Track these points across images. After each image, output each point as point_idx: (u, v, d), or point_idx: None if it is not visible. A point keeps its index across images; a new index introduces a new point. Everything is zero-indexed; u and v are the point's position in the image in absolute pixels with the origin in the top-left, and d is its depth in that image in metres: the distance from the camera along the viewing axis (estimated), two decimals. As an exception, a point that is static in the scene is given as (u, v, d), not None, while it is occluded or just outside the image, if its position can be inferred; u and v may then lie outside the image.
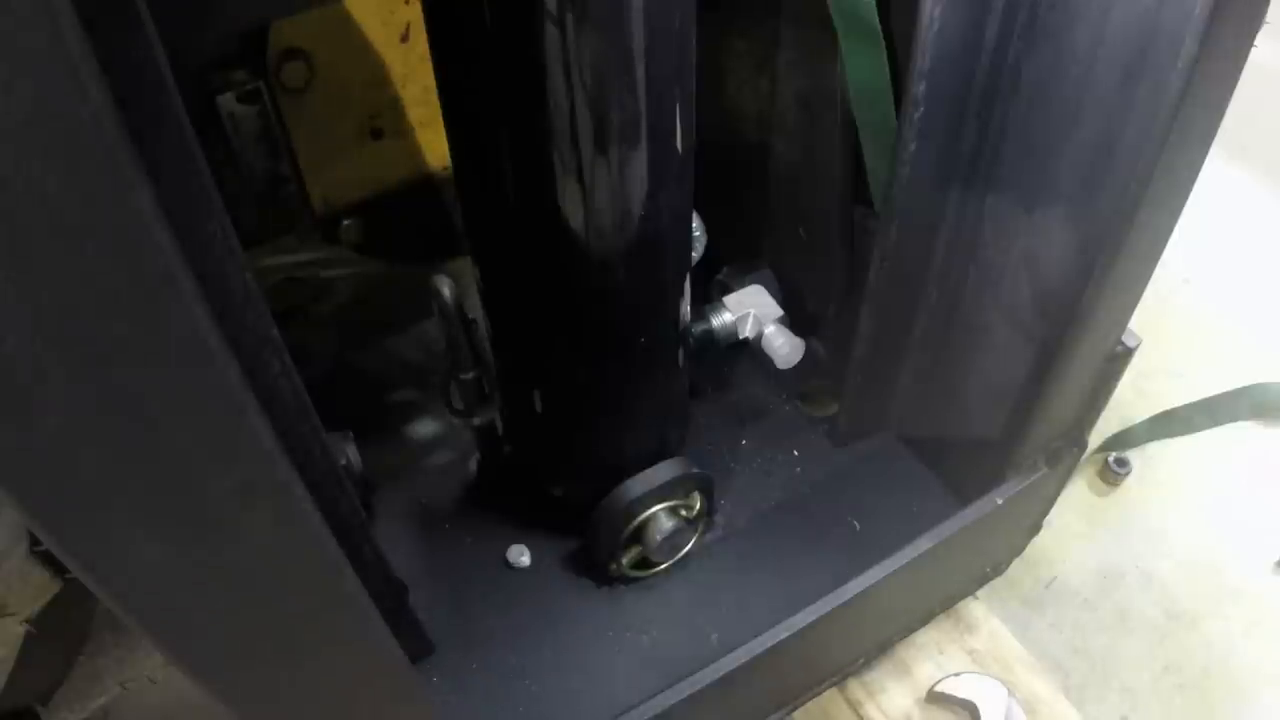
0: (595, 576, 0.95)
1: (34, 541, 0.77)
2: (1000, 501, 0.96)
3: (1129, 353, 0.90)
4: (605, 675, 0.89)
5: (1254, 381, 1.34)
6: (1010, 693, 1.16)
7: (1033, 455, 0.96)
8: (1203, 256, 1.51)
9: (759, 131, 1.00)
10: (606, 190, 0.68)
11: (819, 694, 1.09)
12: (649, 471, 0.87)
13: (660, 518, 0.88)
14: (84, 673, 0.86)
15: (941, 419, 0.98)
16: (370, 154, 0.98)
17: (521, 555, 0.97)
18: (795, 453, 1.07)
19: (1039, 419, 0.89)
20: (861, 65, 0.80)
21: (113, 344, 0.34)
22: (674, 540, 0.90)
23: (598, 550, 0.91)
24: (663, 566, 0.94)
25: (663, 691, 0.83)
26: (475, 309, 0.86)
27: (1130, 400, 1.35)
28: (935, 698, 1.17)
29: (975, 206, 0.81)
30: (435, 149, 1.02)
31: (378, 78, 0.94)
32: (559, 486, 0.96)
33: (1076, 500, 1.34)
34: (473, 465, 1.05)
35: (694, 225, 0.85)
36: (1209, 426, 1.34)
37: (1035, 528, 1.12)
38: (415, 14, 0.92)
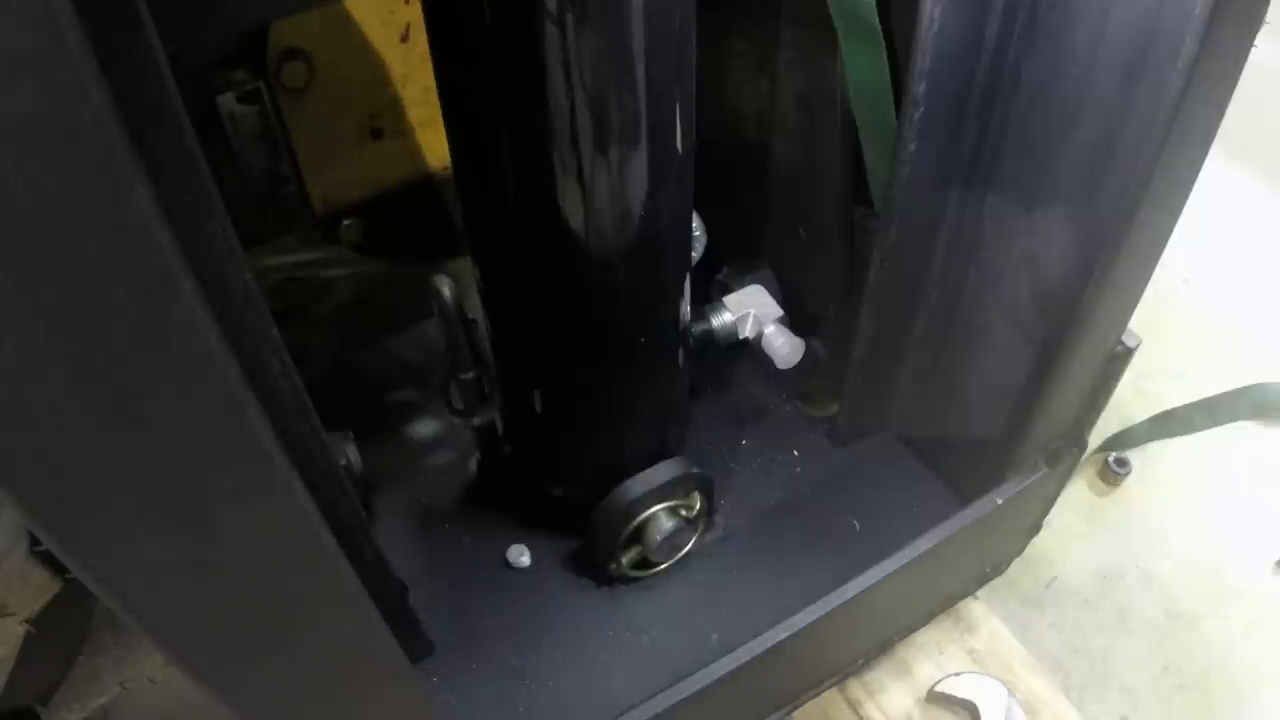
0: (595, 576, 0.95)
1: (34, 541, 0.77)
2: (1000, 501, 0.96)
3: (1129, 353, 0.90)
4: (605, 675, 0.89)
5: (1254, 381, 1.34)
6: (1010, 693, 1.16)
7: (1033, 455, 0.96)
8: (1203, 256, 1.51)
9: (759, 131, 1.00)
10: (606, 190, 0.68)
11: (819, 694, 1.08)
12: (649, 471, 0.87)
13: (660, 518, 0.88)
14: (84, 672, 0.86)
15: (941, 419, 0.98)
16: (370, 154, 0.98)
17: (521, 555, 0.97)
18: (795, 453, 1.07)
19: (1039, 419, 0.89)
20: (861, 65, 0.80)
21: (113, 344, 0.34)
22: (674, 540, 0.90)
23: (598, 550, 0.91)
24: (663, 566, 0.94)
25: (663, 691, 0.83)
26: (475, 309, 0.86)
27: (1130, 400, 1.35)
28: (935, 698, 1.17)
29: (975, 206, 0.81)
30: (435, 149, 1.02)
31: (378, 78, 0.94)
32: (559, 486, 0.96)
33: (1076, 500, 1.34)
34: (473, 465, 1.05)
35: (694, 225, 0.85)
36: (1209, 426, 1.34)
37: (1035, 528, 1.12)
38: (415, 14, 0.92)
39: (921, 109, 0.73)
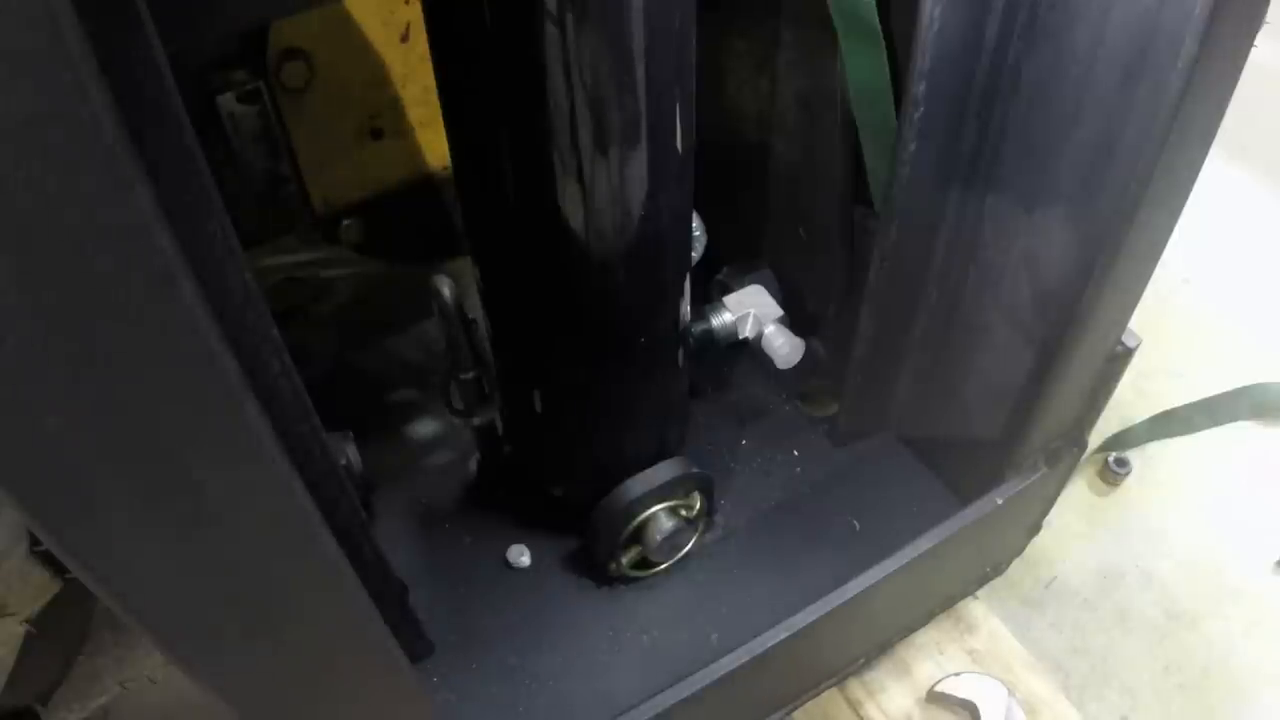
0: (595, 576, 0.95)
1: (34, 541, 0.77)
2: (1000, 501, 0.96)
3: (1129, 353, 0.90)
4: (605, 675, 0.89)
5: (1254, 381, 1.34)
6: (1010, 693, 1.16)
7: (1033, 455, 0.96)
8: (1203, 256, 1.51)
9: (759, 131, 1.00)
10: (606, 190, 0.68)
11: (819, 694, 1.08)
12: (649, 471, 0.87)
13: (660, 518, 0.88)
14: (84, 672, 0.86)
15: (941, 419, 0.98)
16: (370, 154, 0.98)
17: (521, 555, 0.97)
18: (795, 453, 1.07)
19: (1039, 419, 0.89)
20: (861, 65, 0.80)
21: (113, 343, 0.34)
22: (674, 540, 0.90)
23: (598, 550, 0.91)
24: (663, 566, 0.94)
25: (663, 691, 0.83)
26: (475, 309, 0.86)
27: (1130, 400, 1.35)
28: (935, 698, 1.17)
29: (975, 206, 0.81)
30: (435, 149, 1.02)
31: (378, 78, 0.94)
32: (559, 486, 0.96)
33: (1076, 500, 1.34)
34: (473, 465, 1.05)
35: (694, 225, 0.85)
36: (1209, 426, 1.34)
37: (1035, 528, 1.12)
38: (415, 14, 0.92)
39: (921, 109, 0.73)
